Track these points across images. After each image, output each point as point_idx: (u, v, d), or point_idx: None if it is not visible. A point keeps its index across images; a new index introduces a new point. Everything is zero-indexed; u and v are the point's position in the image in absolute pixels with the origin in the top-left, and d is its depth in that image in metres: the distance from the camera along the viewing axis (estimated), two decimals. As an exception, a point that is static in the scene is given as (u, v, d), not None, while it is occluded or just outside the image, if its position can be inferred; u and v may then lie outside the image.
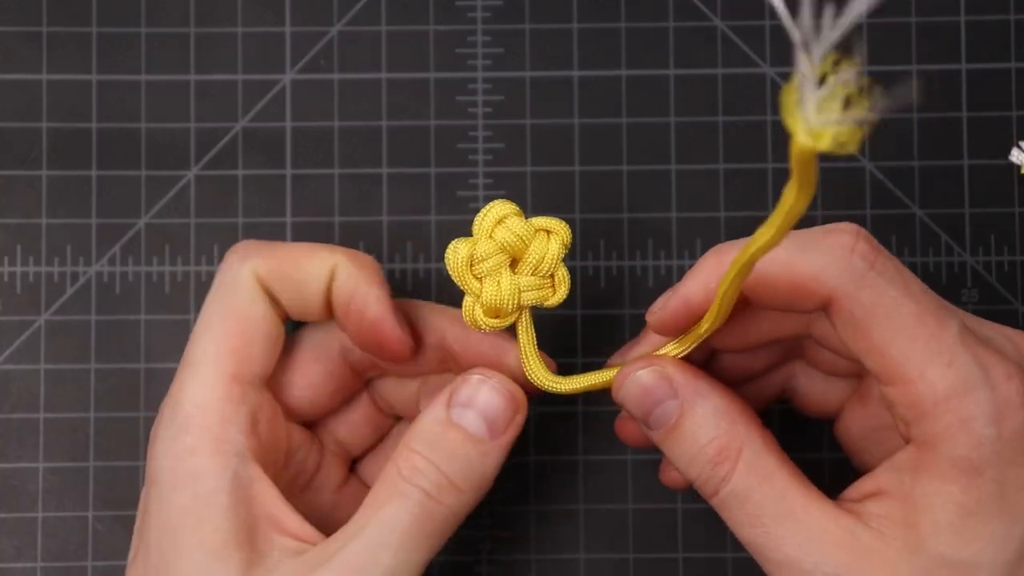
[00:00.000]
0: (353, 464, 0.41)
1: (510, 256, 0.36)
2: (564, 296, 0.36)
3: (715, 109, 0.43)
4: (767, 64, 0.43)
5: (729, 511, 0.33)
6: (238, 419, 0.34)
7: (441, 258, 0.43)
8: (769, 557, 0.32)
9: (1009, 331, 0.34)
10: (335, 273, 0.36)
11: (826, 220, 0.42)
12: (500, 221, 0.35)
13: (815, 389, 0.38)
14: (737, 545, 0.42)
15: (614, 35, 0.43)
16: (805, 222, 0.43)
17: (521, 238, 0.35)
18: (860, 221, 0.42)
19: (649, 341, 0.37)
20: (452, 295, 0.43)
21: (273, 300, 0.36)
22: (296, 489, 0.38)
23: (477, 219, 0.36)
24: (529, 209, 0.43)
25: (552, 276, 0.36)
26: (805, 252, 0.32)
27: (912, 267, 0.42)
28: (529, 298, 0.36)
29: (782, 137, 0.43)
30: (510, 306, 0.36)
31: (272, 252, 0.36)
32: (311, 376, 0.38)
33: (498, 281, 0.35)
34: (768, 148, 0.43)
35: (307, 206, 0.43)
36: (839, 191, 0.43)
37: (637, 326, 0.42)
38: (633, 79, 0.43)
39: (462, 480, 0.34)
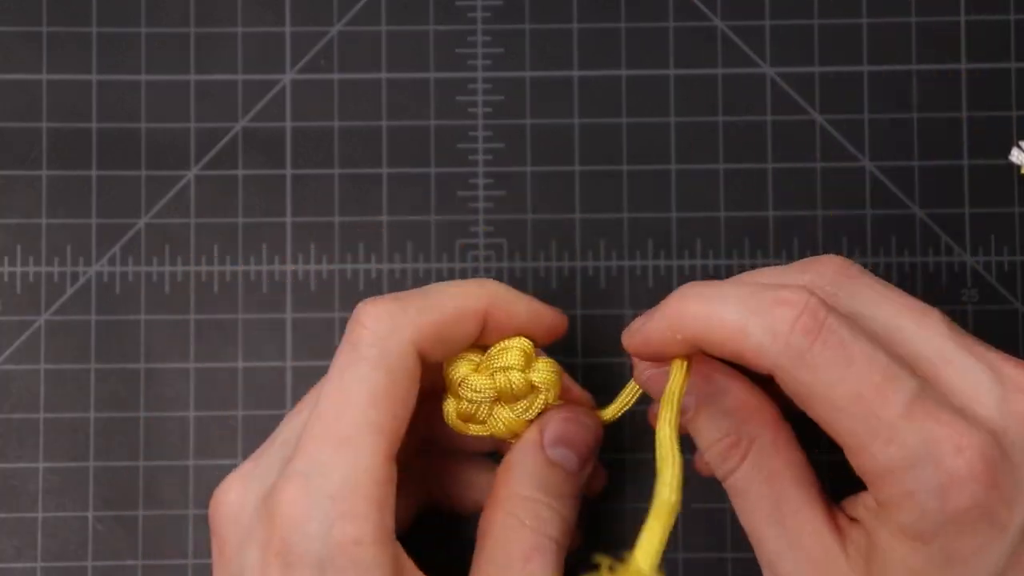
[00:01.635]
0: None
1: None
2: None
3: (715, 109, 0.43)
4: (767, 64, 0.43)
5: (733, 499, 0.35)
6: (390, 501, 0.33)
7: (441, 258, 0.43)
8: (758, 551, 0.34)
9: (999, 360, 0.33)
10: (491, 307, 0.36)
11: (826, 220, 0.43)
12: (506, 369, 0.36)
13: None
14: (737, 545, 0.42)
15: (614, 35, 0.43)
16: (806, 227, 0.43)
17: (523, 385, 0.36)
18: (860, 221, 0.43)
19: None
20: (452, 295, 0.43)
21: (424, 365, 0.35)
22: None
23: (500, 354, 0.36)
24: (529, 209, 0.43)
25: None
26: (749, 321, 0.31)
27: (912, 267, 0.42)
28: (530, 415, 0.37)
29: (782, 137, 0.43)
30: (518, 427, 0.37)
31: (425, 314, 0.35)
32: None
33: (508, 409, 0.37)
34: (768, 148, 0.43)
35: (307, 206, 0.43)
36: (839, 191, 0.43)
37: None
38: (633, 79, 0.43)
39: (572, 516, 0.37)
